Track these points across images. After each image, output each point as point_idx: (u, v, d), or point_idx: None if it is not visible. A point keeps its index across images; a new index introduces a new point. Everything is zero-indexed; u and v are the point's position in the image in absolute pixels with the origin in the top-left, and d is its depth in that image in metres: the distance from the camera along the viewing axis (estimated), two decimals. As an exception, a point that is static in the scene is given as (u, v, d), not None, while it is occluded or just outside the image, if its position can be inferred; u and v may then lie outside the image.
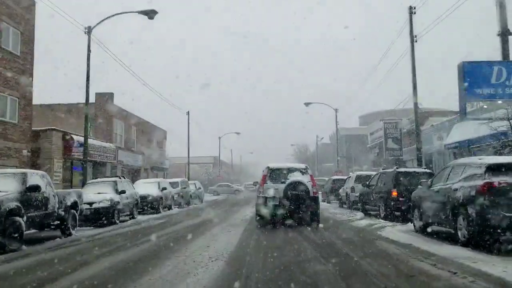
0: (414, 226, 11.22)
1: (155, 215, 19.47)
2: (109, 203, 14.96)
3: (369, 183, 17.68)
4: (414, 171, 15.02)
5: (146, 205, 20.33)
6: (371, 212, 17.14)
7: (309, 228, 12.15)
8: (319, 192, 16.24)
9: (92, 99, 30.37)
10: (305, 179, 13.22)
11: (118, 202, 15.60)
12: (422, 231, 10.62)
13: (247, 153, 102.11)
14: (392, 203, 14.35)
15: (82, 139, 25.78)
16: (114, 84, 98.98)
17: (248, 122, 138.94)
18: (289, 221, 13.40)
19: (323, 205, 21.60)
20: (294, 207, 12.86)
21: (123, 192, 16.30)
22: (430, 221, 10.22)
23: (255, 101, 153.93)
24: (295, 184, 12.92)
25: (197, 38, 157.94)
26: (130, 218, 17.38)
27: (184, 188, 26.86)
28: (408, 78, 19.97)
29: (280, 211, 12.85)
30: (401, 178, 14.72)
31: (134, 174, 34.54)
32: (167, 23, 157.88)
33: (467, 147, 20.38)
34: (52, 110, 29.49)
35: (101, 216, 14.70)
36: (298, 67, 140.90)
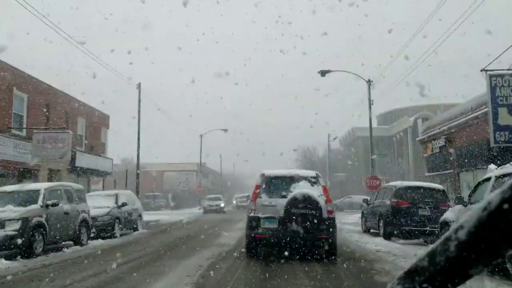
0: None
1: None
2: None
3: None
4: None
5: None
6: None
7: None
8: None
9: None
10: (315, 191, 9.17)
11: None
12: None
13: (242, 161, 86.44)
14: None
15: None
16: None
17: (244, 125, 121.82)
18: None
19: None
20: (300, 232, 8.80)
21: None
22: None
23: (252, 101, 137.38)
24: (302, 199, 8.93)
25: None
26: None
27: (55, 205, 11.27)
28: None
29: (280, 238, 8.95)
30: None
31: (28, 178, 19.19)
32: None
33: None
34: None
35: None
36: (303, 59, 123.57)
